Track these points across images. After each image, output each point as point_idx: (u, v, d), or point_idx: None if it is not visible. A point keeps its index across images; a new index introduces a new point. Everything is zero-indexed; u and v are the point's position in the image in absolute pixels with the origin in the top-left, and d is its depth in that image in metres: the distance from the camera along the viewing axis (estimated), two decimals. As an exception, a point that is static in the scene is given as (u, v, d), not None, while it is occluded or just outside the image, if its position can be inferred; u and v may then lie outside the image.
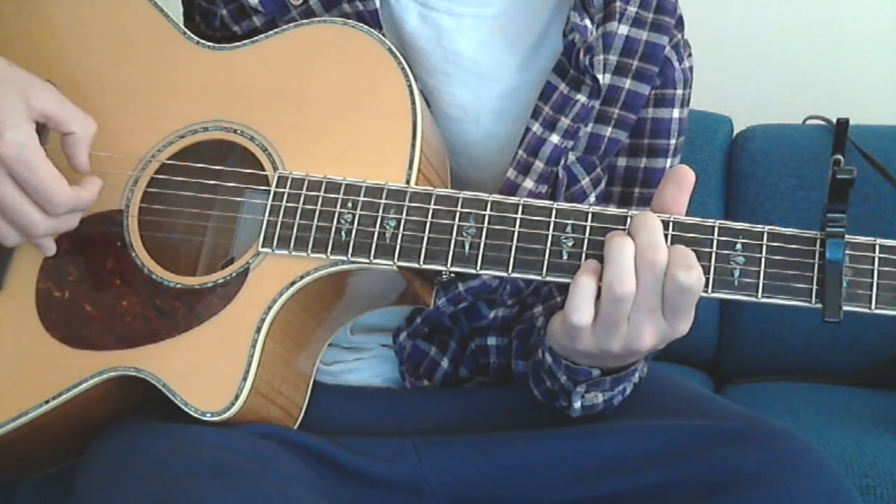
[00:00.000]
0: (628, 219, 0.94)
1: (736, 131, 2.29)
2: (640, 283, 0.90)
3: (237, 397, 0.97)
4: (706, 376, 2.14)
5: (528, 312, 1.17)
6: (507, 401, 1.14)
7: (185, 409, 0.97)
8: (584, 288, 0.92)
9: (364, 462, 1.04)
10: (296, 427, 1.06)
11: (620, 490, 1.02)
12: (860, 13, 2.41)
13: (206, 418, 0.97)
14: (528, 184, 1.10)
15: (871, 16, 2.42)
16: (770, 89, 2.42)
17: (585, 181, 1.13)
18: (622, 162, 1.16)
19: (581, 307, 0.91)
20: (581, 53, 1.08)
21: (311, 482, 0.97)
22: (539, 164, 1.10)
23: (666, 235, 0.92)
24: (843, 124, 2.11)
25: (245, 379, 0.97)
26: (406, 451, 1.06)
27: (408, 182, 1.00)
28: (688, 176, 0.94)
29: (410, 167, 1.00)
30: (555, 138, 1.10)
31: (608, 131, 1.13)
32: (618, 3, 1.12)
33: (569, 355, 0.99)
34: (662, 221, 0.93)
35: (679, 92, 1.15)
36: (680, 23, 1.16)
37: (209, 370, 0.98)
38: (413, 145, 1.01)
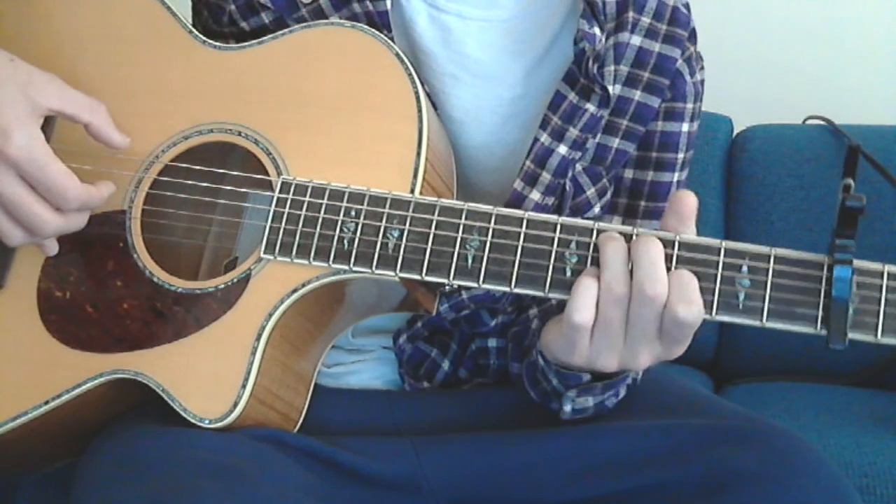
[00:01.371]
0: (634, 236, 0.92)
1: (736, 131, 2.29)
2: (640, 315, 0.90)
3: (236, 404, 0.97)
4: (706, 376, 2.14)
5: (523, 315, 1.17)
6: (507, 402, 1.14)
7: (184, 415, 0.97)
8: (586, 287, 0.91)
9: (363, 461, 1.03)
10: (295, 430, 1.06)
11: (620, 490, 1.01)
12: (860, 13, 2.42)
13: (203, 424, 0.97)
14: (535, 196, 1.09)
15: (870, 16, 2.42)
16: (770, 89, 2.43)
17: (591, 191, 1.13)
18: (629, 174, 1.15)
19: (582, 306, 0.91)
20: (590, 62, 1.07)
21: (309, 484, 0.97)
22: (546, 176, 1.09)
23: (671, 255, 0.91)
24: (854, 149, 2.10)
25: (244, 386, 0.97)
26: (406, 451, 1.06)
27: (412, 191, 0.99)
28: (689, 205, 0.92)
29: (415, 176, 0.99)
30: (562, 149, 1.09)
31: (616, 142, 1.12)
32: (631, 14, 1.11)
33: (563, 363, 0.99)
34: (668, 240, 0.91)
35: (689, 106, 1.14)
36: (693, 35, 1.14)
37: (208, 376, 0.98)
38: (418, 154, 1.00)
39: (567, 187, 1.11)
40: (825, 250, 0.91)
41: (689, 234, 0.92)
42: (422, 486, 1.05)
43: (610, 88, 1.09)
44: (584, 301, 0.91)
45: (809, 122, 2.24)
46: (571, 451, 1.04)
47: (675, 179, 1.14)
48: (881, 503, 1.56)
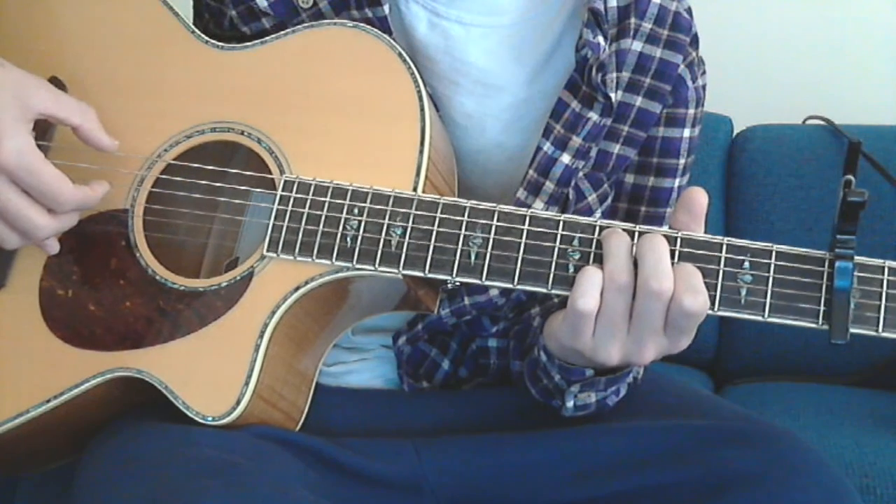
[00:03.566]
0: (636, 234, 0.93)
1: (736, 131, 2.29)
2: (646, 309, 0.90)
3: (238, 402, 0.97)
4: (706, 376, 2.14)
5: (525, 314, 1.17)
6: (507, 402, 1.14)
7: (187, 413, 0.97)
8: (589, 275, 0.91)
9: (364, 461, 1.03)
10: (297, 429, 1.06)
11: (620, 491, 1.02)
12: (860, 14, 2.42)
13: (206, 422, 0.97)
14: (538, 205, 1.09)
15: (871, 16, 2.42)
16: (770, 89, 2.43)
17: (592, 197, 1.12)
18: (630, 179, 1.14)
19: (587, 292, 0.91)
20: (593, 71, 1.06)
21: (310, 482, 0.97)
22: (550, 185, 1.09)
23: (674, 251, 0.92)
24: (855, 146, 2.11)
25: (247, 384, 0.97)
26: (406, 452, 1.06)
27: (415, 189, 0.99)
28: (699, 203, 0.93)
29: (418, 174, 0.99)
30: (566, 158, 1.09)
31: (616, 148, 1.12)
32: (632, 20, 1.10)
33: (566, 356, 0.99)
34: (671, 237, 0.92)
35: (691, 111, 1.13)
36: (695, 40, 1.13)
37: (211, 374, 0.98)
38: (421, 152, 1.00)
39: (570, 195, 1.10)
40: (825, 250, 0.92)
41: (697, 232, 0.93)
42: (422, 487, 1.05)
43: (612, 96, 1.08)
44: (587, 288, 0.91)
45: (809, 122, 2.24)
46: (571, 452, 1.04)
47: (677, 185, 1.14)
48: (881, 503, 1.56)
